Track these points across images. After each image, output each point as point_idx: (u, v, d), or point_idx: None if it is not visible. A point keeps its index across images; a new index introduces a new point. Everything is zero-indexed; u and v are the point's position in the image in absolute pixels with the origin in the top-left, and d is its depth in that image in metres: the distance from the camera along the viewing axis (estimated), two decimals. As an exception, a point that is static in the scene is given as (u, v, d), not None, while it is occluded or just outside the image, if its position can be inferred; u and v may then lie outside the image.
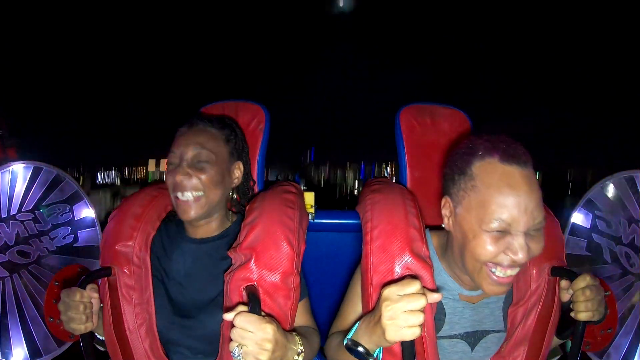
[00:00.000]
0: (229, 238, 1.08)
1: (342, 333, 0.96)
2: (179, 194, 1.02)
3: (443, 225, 0.93)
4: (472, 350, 0.98)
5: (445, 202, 0.91)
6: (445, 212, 0.91)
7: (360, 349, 0.81)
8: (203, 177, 1.03)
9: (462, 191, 0.86)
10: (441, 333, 0.96)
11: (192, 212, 1.02)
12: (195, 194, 1.03)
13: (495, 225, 0.80)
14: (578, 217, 1.36)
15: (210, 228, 1.10)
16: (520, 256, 0.80)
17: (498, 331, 0.99)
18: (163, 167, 1.18)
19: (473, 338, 0.97)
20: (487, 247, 0.82)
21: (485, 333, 0.98)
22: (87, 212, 1.43)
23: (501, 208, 0.80)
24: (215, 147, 1.07)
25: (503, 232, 0.81)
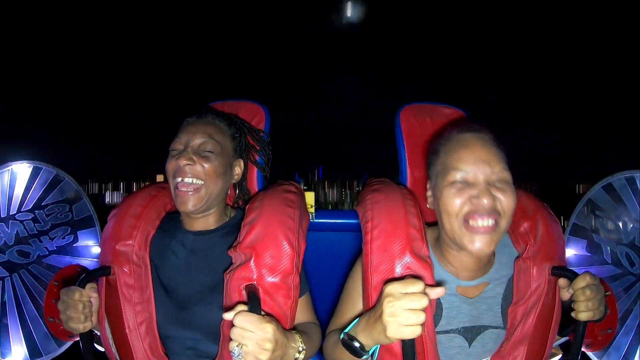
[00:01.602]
0: (227, 231, 1.08)
1: (339, 331, 0.96)
2: (179, 179, 1.01)
3: (428, 206, 0.99)
4: (469, 345, 0.98)
5: (429, 184, 0.99)
6: (428, 193, 0.99)
7: (356, 343, 0.82)
8: (207, 165, 1.02)
9: (434, 167, 0.96)
10: (438, 328, 0.97)
11: (190, 204, 1.02)
12: (196, 182, 1.02)
13: (456, 176, 0.88)
14: (579, 217, 1.36)
15: (207, 222, 1.09)
16: (485, 201, 0.85)
17: (497, 327, 0.99)
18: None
19: (471, 333, 0.98)
20: (453, 199, 0.87)
21: (483, 328, 0.98)
22: (86, 212, 1.42)
23: (458, 162, 0.89)
24: (222, 140, 1.08)
25: (465, 183, 0.88)
